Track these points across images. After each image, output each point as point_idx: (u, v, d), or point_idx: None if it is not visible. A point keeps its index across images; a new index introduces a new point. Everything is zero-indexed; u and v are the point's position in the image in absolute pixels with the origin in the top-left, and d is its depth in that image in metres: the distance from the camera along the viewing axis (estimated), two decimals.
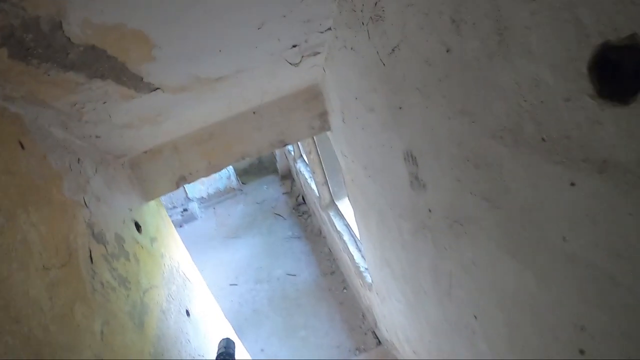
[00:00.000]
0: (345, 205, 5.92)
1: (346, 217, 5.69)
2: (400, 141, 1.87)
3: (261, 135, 3.28)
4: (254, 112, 3.19)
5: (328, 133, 3.47)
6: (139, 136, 2.64)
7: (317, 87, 3.13)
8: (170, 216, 10.82)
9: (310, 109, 3.27)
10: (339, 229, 5.65)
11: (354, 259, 5.05)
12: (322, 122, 3.31)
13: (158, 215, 3.45)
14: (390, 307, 3.79)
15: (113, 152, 2.66)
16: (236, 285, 7.57)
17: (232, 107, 2.99)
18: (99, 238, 1.96)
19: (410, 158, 1.81)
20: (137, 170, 3.10)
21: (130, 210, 2.66)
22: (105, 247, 1.98)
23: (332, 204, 6.23)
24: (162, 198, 10.68)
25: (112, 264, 1.99)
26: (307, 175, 7.67)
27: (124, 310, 1.94)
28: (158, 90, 2.02)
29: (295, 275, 7.29)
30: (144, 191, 3.16)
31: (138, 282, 2.26)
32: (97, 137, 2.24)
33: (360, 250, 5.06)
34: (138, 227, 2.68)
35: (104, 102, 1.87)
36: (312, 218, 8.60)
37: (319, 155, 5.83)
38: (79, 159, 2.04)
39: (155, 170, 3.19)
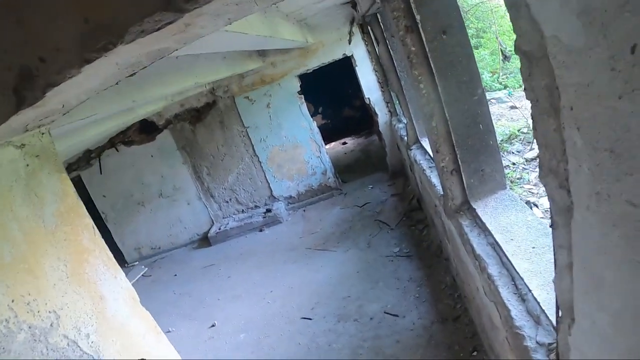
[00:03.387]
0: (490, 211, 3.28)
1: (493, 229, 3.05)
2: None
3: None
4: None
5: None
6: None
7: None
8: (250, 217, 9.04)
9: None
10: (477, 251, 3.03)
11: (508, 311, 2.43)
12: None
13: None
14: None
15: None
16: (310, 319, 5.18)
17: None
18: None
19: None
20: None
21: None
22: None
23: (465, 207, 3.60)
24: (242, 194, 8.79)
25: None
26: (424, 164, 5.10)
27: None
28: None
29: (397, 315, 4.72)
30: None
31: None
32: None
33: (526, 298, 2.42)
34: None
35: None
36: (429, 230, 5.95)
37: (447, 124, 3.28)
38: None
39: None
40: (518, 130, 7.35)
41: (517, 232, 2.92)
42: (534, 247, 2.72)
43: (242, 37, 2.40)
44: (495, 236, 2.96)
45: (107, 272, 1.78)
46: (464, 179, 3.42)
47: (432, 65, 3.12)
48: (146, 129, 8.79)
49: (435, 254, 5.42)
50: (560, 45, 0.92)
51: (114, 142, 8.86)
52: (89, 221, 1.80)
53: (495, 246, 2.94)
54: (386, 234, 6.57)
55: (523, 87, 1.22)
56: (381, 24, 5.56)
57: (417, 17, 3.03)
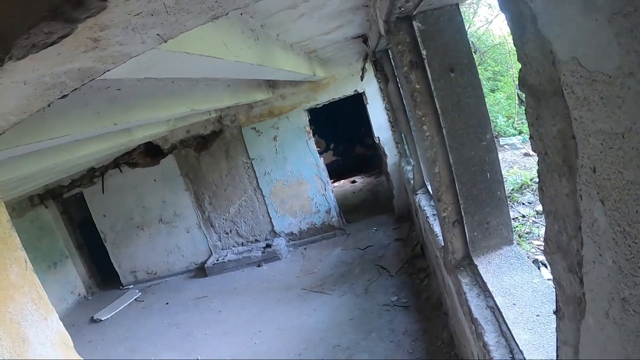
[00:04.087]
0: (493, 269, 2.96)
1: (494, 291, 2.73)
2: None
3: None
4: None
5: None
6: None
7: None
8: (249, 251, 8.72)
9: None
10: (475, 314, 2.71)
11: None
12: None
13: None
14: None
15: None
16: None
17: None
18: None
19: None
20: None
21: None
22: None
23: (466, 262, 3.28)
24: (243, 227, 8.52)
25: None
26: (428, 212, 4.81)
27: None
28: None
29: None
30: None
31: None
32: None
33: None
34: None
35: None
36: (430, 280, 5.60)
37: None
38: None
39: None
40: (530, 180, 7.01)
41: (521, 296, 2.60)
42: (538, 315, 2.40)
43: (219, 63, 2.19)
44: (496, 299, 2.64)
45: (36, 312, 1.58)
46: (466, 231, 3.13)
47: (438, 106, 2.87)
48: (151, 152, 8.66)
49: (434, 307, 5.05)
50: (580, 72, 0.63)
51: (118, 162, 8.76)
52: (21, 254, 1.59)
53: (495, 311, 2.63)
54: (385, 280, 6.20)
55: (529, 134, 0.94)
56: (391, 60, 5.38)
57: (423, 53, 2.81)
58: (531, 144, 0.93)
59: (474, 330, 2.67)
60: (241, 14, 2.45)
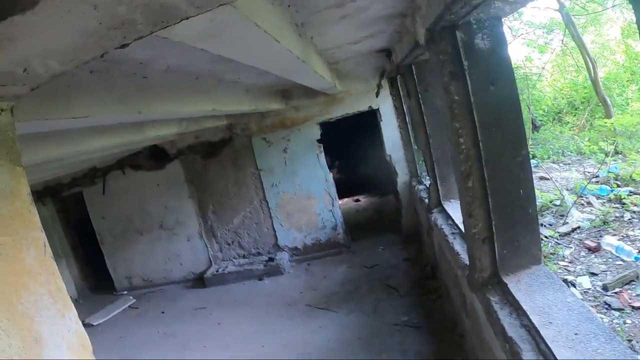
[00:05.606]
0: (524, 288, 2.86)
1: (528, 309, 2.63)
2: None
3: None
4: None
5: None
6: None
7: None
8: (250, 264, 8.53)
9: None
10: (509, 333, 2.60)
11: None
12: None
13: None
14: None
15: None
16: None
17: None
18: None
19: None
20: None
21: None
22: None
23: (494, 280, 3.18)
24: (246, 239, 8.36)
25: None
26: (447, 230, 4.71)
27: None
28: None
29: None
30: None
31: None
32: None
33: None
34: None
35: None
36: (443, 301, 5.47)
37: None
38: None
39: None
40: (550, 202, 6.94)
41: (557, 315, 2.51)
42: (576, 334, 2.31)
43: (274, 49, 2.13)
44: (531, 317, 2.54)
45: (53, 306, 1.35)
46: (496, 248, 3.02)
47: (476, 119, 2.80)
48: (156, 156, 8.54)
49: (448, 329, 4.90)
50: None
51: (122, 164, 8.63)
52: (41, 235, 1.39)
53: (531, 329, 2.51)
54: (395, 300, 6.05)
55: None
56: (415, 76, 5.34)
57: (465, 64, 2.75)
58: None
59: (508, 349, 2.55)
60: (289, 6, 2.40)
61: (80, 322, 1.50)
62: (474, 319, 3.79)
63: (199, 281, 8.71)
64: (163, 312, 7.72)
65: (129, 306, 8.39)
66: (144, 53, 2.72)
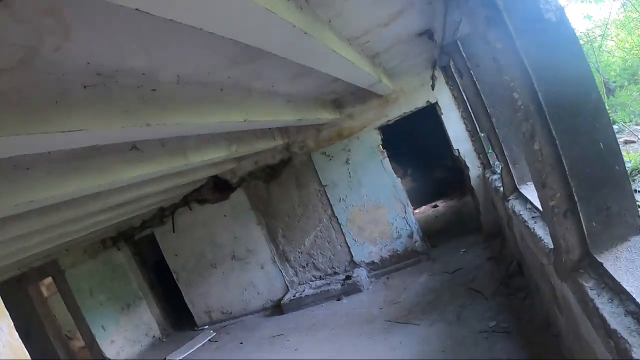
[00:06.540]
0: (624, 265, 2.25)
1: (634, 292, 2.03)
2: None
3: None
4: None
5: None
6: None
7: None
8: (327, 284, 8.15)
9: None
10: (612, 324, 2.01)
11: None
12: None
13: None
14: None
15: None
16: None
17: None
18: None
19: None
20: None
21: None
22: None
23: (585, 262, 2.57)
24: (320, 259, 8.00)
25: None
26: (525, 215, 4.08)
27: None
28: None
29: None
30: None
31: None
32: None
33: None
34: None
35: None
36: (533, 299, 4.76)
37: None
38: None
39: None
40: None
41: None
42: None
43: (270, 17, 1.82)
44: (639, 301, 1.94)
45: None
46: (582, 221, 2.40)
47: (527, 65, 2.29)
48: (219, 187, 8.54)
49: (540, 329, 4.20)
50: None
51: (187, 200, 8.73)
52: None
53: None
54: (480, 304, 5.39)
55: None
56: (462, 53, 4.81)
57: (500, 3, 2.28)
58: None
59: (613, 346, 1.96)
60: None
61: (16, 334, 1.24)
62: (567, 313, 3.14)
63: (277, 308, 8.48)
64: (241, 343, 7.60)
65: (209, 340, 8.37)
66: (138, 61, 2.50)
